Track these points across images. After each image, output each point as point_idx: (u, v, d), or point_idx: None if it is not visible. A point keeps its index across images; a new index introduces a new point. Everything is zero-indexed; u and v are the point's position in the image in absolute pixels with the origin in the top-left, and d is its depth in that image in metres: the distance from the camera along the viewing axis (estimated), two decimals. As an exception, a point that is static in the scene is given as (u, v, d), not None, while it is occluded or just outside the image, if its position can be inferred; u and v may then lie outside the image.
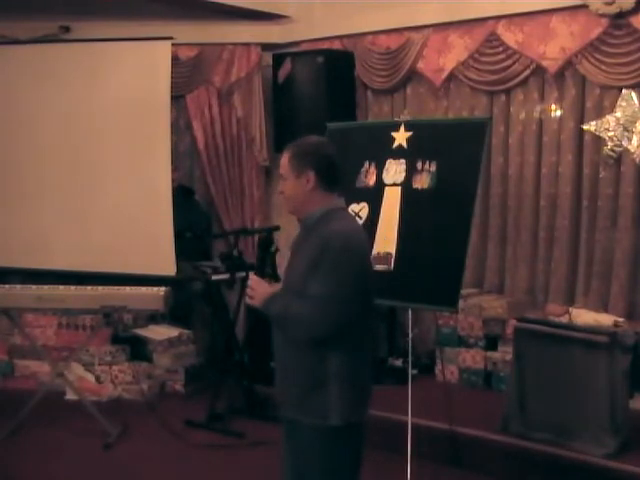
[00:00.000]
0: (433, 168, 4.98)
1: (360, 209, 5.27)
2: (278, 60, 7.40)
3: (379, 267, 5.09)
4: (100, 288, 6.01)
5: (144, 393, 6.99)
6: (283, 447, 3.49)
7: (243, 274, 6.08)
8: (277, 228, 5.90)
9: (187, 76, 7.67)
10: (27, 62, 6.90)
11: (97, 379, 7.04)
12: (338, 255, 3.17)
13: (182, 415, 6.36)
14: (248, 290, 3.30)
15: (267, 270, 3.37)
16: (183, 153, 8.01)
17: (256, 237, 7.39)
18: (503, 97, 6.69)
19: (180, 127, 7.94)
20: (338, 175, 3.38)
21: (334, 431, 3.26)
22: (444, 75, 6.85)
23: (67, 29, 7.38)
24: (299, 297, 3.19)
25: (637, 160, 6.02)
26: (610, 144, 6.11)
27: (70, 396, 6.74)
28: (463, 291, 5.91)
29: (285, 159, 3.32)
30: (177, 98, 7.55)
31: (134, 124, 6.78)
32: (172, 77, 6.84)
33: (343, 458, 3.34)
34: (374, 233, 5.16)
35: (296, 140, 3.41)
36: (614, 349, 5.21)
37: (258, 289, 3.29)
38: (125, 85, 6.80)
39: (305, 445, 3.32)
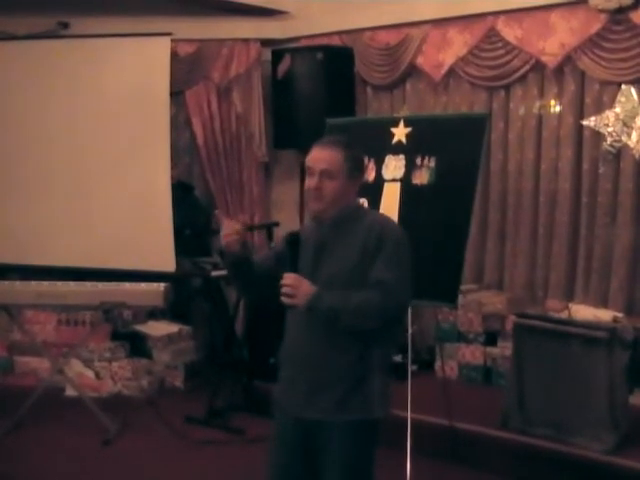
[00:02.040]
0: (432, 164, 4.98)
1: (359, 205, 5.27)
2: (277, 56, 7.38)
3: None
4: (99, 284, 6.01)
5: (144, 389, 7.00)
6: (287, 448, 3.41)
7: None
8: (277, 224, 5.91)
9: (186, 72, 7.67)
10: (25, 58, 6.89)
11: (97, 375, 7.04)
12: (398, 243, 3.27)
13: (182, 411, 6.37)
14: (287, 289, 3.16)
15: (299, 267, 3.26)
16: (182, 149, 8.01)
17: (255, 233, 7.39)
18: (502, 93, 6.69)
19: (179, 123, 7.94)
20: None
21: (375, 424, 3.32)
22: (443, 71, 6.84)
23: (66, 25, 7.37)
24: (350, 288, 3.19)
25: (636, 156, 6.01)
26: (609, 139, 6.11)
27: (70, 392, 6.74)
28: (462, 287, 5.91)
29: (337, 157, 3.28)
30: (176, 94, 7.54)
31: (133, 120, 6.77)
32: (171, 73, 6.82)
33: (374, 451, 3.39)
34: (373, 229, 5.16)
35: (337, 138, 3.44)
36: (613, 345, 5.21)
37: (301, 287, 3.17)
38: (124, 81, 6.79)
39: (339, 443, 3.28)
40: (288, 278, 3.17)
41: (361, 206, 3.47)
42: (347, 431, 3.27)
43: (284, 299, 3.17)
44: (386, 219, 3.43)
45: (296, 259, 3.27)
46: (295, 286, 3.16)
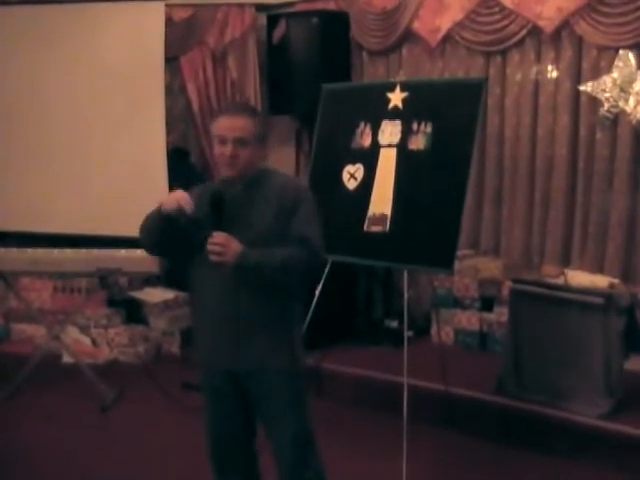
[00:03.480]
0: (429, 129, 4.96)
1: (355, 170, 5.26)
2: (272, 21, 7.33)
3: (374, 228, 5.09)
4: (95, 251, 6.01)
5: (140, 356, 7.01)
6: (221, 399, 3.61)
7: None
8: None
9: (181, 37, 7.61)
10: (18, 23, 6.82)
11: (93, 342, 7.06)
12: (312, 203, 3.51)
13: (178, 378, 6.37)
14: (216, 247, 3.28)
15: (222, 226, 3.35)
16: (178, 115, 7.97)
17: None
18: (499, 58, 6.64)
19: (174, 89, 7.89)
20: None
21: (300, 374, 3.57)
22: (440, 36, 6.78)
23: (59, -10, 7.31)
24: (268, 246, 3.33)
25: (634, 121, 5.98)
26: (607, 105, 6.07)
27: (66, 359, 6.75)
28: (458, 253, 5.90)
29: (249, 125, 3.42)
30: (171, 60, 7.48)
31: (127, 86, 6.72)
32: (166, 39, 6.77)
33: (307, 399, 3.63)
34: (369, 194, 5.16)
35: (245, 105, 3.70)
36: (609, 310, 5.22)
37: (230, 245, 3.29)
38: (118, 47, 6.73)
39: (276, 389, 3.50)
40: (218, 237, 3.28)
41: (266, 167, 3.61)
42: (277, 381, 3.49)
43: (213, 257, 3.28)
44: (296, 180, 3.70)
45: (221, 218, 3.34)
46: (225, 244, 3.28)
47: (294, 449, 3.58)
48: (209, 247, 3.30)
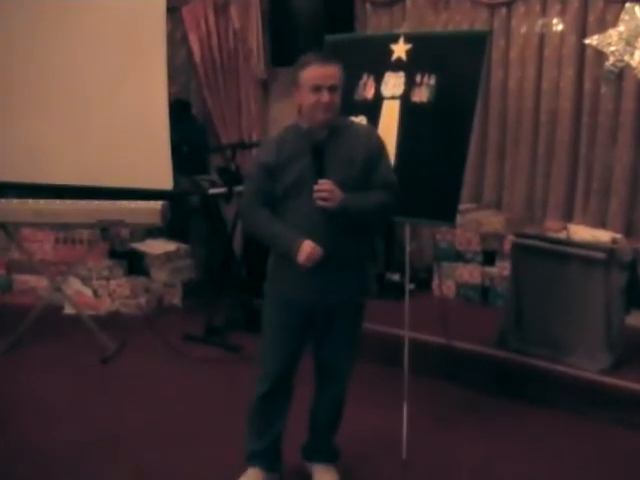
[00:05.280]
0: (432, 81, 4.91)
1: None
2: (275, -29, 7.27)
3: (377, 181, 5.07)
4: (97, 202, 5.99)
5: (142, 307, 7.03)
6: (296, 335, 3.91)
7: (240, 188, 6.04)
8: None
9: (182, -13, 7.55)
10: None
11: (95, 293, 7.07)
12: (384, 147, 3.88)
13: (180, 329, 6.40)
14: (324, 194, 3.59)
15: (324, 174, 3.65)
16: (179, 66, 7.92)
17: (253, 151, 7.34)
18: (504, 10, 6.58)
19: (176, 40, 7.84)
20: None
21: (365, 304, 3.97)
22: (444, -13, 6.74)
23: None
24: (357, 190, 3.68)
25: (639, 76, 5.95)
26: (612, 59, 6.03)
27: (68, 310, 6.77)
28: (461, 206, 5.89)
29: (339, 72, 3.70)
30: (172, 10, 7.41)
31: (129, 37, 6.66)
32: (168, -12, 6.72)
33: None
34: (372, 147, 5.13)
35: (325, 53, 4.18)
36: (611, 266, 5.22)
37: (335, 191, 3.60)
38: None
39: (346, 319, 3.90)
40: (325, 184, 3.60)
41: (338, 116, 3.81)
42: (349, 310, 3.88)
43: (320, 203, 3.59)
44: (368, 128, 4.01)
45: (323, 167, 3.64)
46: (331, 190, 3.59)
47: (346, 364, 4.04)
48: (316, 194, 3.60)
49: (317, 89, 3.64)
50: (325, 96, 3.64)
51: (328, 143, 3.70)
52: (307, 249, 3.63)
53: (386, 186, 3.76)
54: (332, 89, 3.65)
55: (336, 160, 3.68)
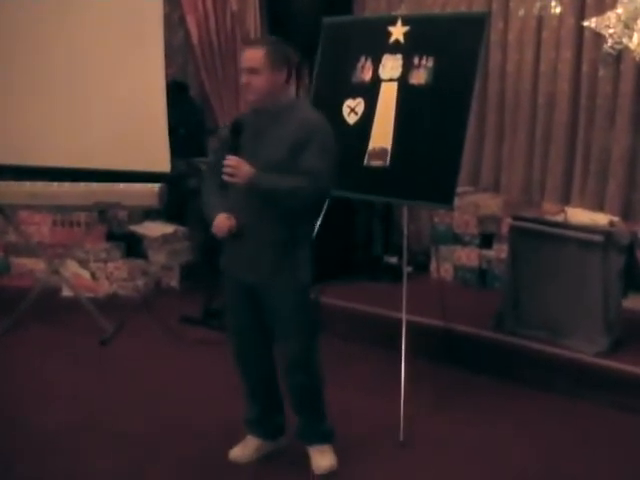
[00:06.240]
0: (430, 64, 4.91)
1: (356, 104, 5.21)
2: (273, -48, 7.24)
3: (375, 163, 5.07)
4: (94, 185, 5.99)
5: (139, 290, 7.04)
6: (239, 308, 4.04)
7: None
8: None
9: (180, -32, 7.51)
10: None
11: (92, 276, 7.07)
12: (327, 139, 3.82)
13: (177, 311, 6.41)
14: (229, 169, 3.69)
15: (240, 152, 3.75)
16: (177, 48, 7.89)
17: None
18: (502, -8, 6.57)
19: (173, 22, 7.80)
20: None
21: (305, 288, 3.95)
22: (443, -31, 6.71)
23: None
24: (282, 173, 3.71)
25: (637, 58, 5.92)
26: (610, 41, 6.01)
27: (66, 293, 6.78)
28: (459, 189, 5.88)
29: (259, 55, 3.76)
30: (170, -9, 7.40)
31: (126, 19, 6.63)
32: (165, -31, 6.69)
33: (313, 313, 4.14)
34: (370, 129, 5.12)
35: (262, 37, 4.02)
36: (609, 248, 5.22)
37: (241, 167, 3.69)
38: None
39: (283, 305, 3.91)
40: (230, 160, 3.70)
41: (296, 99, 3.97)
42: (284, 296, 3.89)
43: (226, 178, 3.70)
44: (317, 116, 3.88)
45: (238, 145, 3.76)
46: (236, 166, 3.69)
47: (299, 354, 4.00)
48: (223, 169, 3.71)
49: (242, 71, 3.86)
50: (243, 77, 3.82)
51: (262, 127, 3.82)
52: (217, 221, 3.83)
53: (307, 173, 3.71)
54: (251, 71, 3.76)
55: (265, 141, 3.80)
